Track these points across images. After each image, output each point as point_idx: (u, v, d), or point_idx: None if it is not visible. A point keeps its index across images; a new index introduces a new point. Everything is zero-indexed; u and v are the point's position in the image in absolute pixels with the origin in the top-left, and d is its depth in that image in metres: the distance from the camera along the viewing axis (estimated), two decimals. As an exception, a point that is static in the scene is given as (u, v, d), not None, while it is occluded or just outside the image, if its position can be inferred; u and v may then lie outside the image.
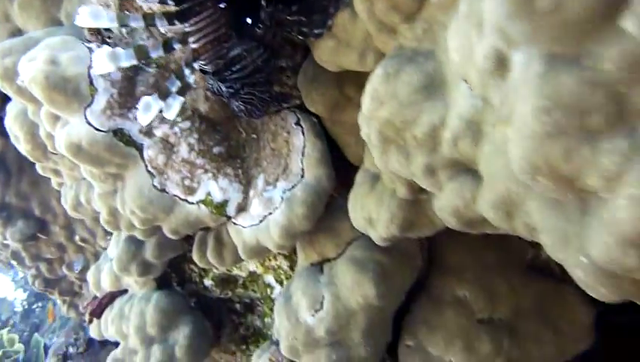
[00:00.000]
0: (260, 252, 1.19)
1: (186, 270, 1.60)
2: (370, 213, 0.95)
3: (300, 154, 1.17)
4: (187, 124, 1.15)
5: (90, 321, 1.63)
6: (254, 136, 1.25)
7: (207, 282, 1.57)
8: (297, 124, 1.18)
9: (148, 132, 1.12)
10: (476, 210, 0.74)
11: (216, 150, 1.18)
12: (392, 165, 0.83)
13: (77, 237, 2.01)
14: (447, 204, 0.78)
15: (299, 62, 1.12)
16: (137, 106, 0.78)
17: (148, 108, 0.78)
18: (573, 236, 0.58)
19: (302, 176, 1.16)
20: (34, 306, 5.58)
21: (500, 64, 0.59)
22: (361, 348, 1.17)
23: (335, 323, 1.15)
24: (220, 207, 1.18)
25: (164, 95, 0.80)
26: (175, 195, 1.16)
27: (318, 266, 1.23)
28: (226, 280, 1.56)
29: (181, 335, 1.48)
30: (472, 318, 1.17)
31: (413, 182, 0.84)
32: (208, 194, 1.17)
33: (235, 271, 1.50)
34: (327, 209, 1.20)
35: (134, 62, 0.77)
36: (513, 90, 0.58)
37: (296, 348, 1.18)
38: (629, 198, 0.49)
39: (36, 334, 4.47)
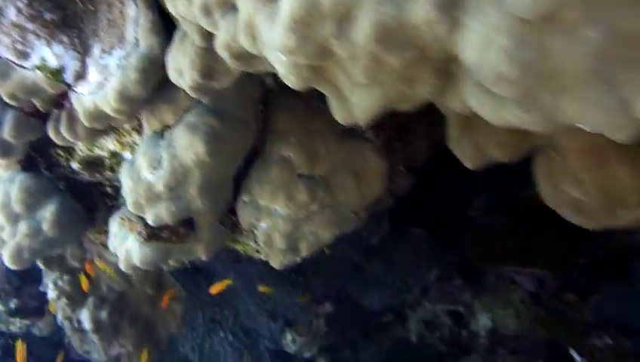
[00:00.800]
0: (99, 117, 1.29)
1: (53, 154, 1.66)
2: (179, 64, 1.07)
3: (133, 24, 1.25)
4: (14, -13, 1.18)
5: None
6: (92, 8, 1.29)
7: (74, 165, 1.65)
8: (131, -5, 1.25)
9: (-31, -8, 1.13)
10: (239, 41, 0.89)
11: (47, 16, 1.22)
12: (179, 9, 0.95)
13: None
14: (220, 42, 0.92)
15: None
16: None
17: None
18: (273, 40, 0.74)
19: (136, 45, 1.25)
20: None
21: None
22: (198, 201, 1.34)
23: (172, 179, 1.30)
24: (57, 74, 1.25)
25: None
26: (8, 59, 1.21)
27: (160, 133, 1.36)
28: (93, 163, 1.65)
29: (48, 212, 1.58)
30: (294, 174, 1.37)
31: (202, 27, 0.97)
32: (43, 59, 1.23)
33: (97, 151, 1.59)
34: (168, 80, 1.31)
35: None
36: None
37: (139, 203, 1.33)
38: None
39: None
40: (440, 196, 2.74)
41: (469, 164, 0.95)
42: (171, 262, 1.70)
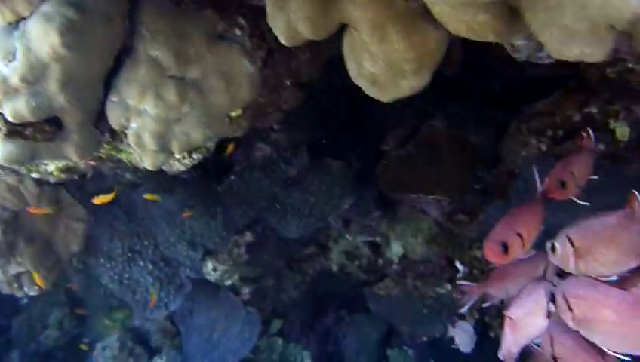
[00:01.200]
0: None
1: None
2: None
3: None
4: None
5: None
6: None
7: None
8: None
9: None
10: None
11: None
12: None
13: None
14: None
15: None
16: None
17: None
18: None
19: None
20: None
21: None
22: (60, 97, 1.32)
23: (29, 72, 1.26)
24: None
25: None
26: None
27: (15, 24, 1.30)
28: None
29: None
30: (163, 74, 1.38)
31: None
32: None
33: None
34: (21, -32, 1.23)
35: None
36: None
37: (-5, 97, 1.29)
38: None
39: None
40: (358, 129, 2.84)
41: (283, 41, 1.00)
42: (55, 172, 1.69)
